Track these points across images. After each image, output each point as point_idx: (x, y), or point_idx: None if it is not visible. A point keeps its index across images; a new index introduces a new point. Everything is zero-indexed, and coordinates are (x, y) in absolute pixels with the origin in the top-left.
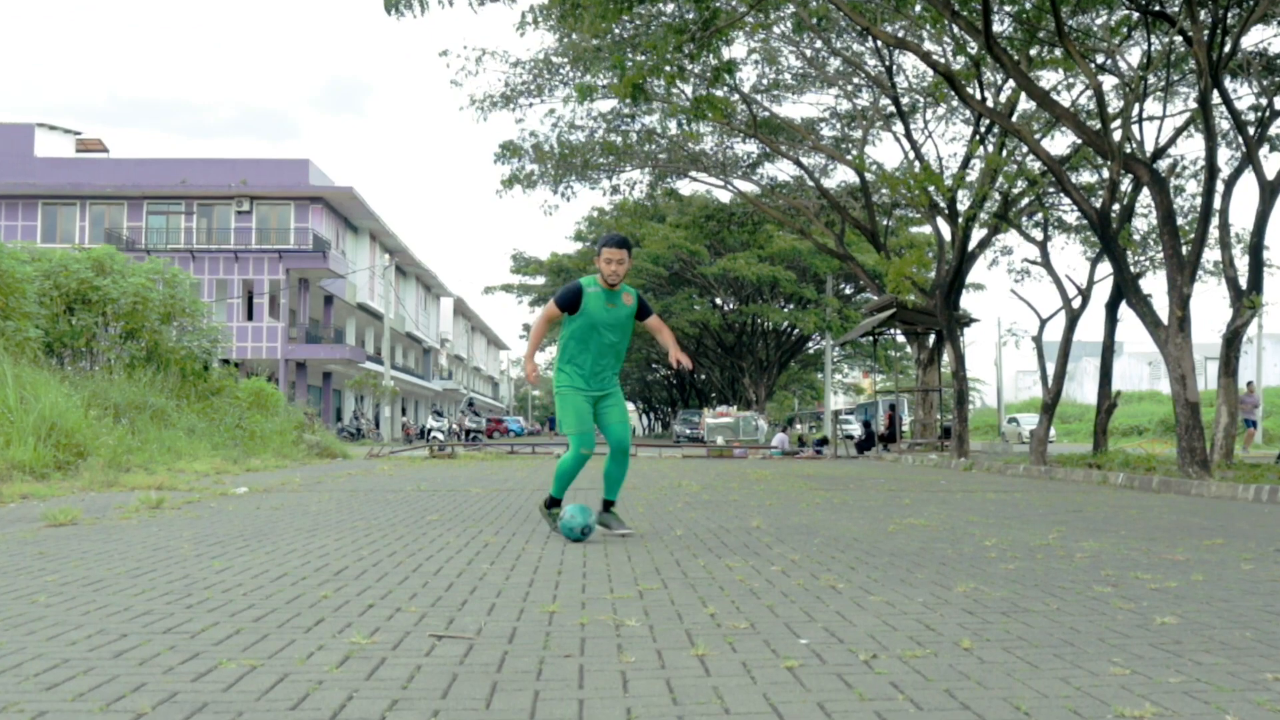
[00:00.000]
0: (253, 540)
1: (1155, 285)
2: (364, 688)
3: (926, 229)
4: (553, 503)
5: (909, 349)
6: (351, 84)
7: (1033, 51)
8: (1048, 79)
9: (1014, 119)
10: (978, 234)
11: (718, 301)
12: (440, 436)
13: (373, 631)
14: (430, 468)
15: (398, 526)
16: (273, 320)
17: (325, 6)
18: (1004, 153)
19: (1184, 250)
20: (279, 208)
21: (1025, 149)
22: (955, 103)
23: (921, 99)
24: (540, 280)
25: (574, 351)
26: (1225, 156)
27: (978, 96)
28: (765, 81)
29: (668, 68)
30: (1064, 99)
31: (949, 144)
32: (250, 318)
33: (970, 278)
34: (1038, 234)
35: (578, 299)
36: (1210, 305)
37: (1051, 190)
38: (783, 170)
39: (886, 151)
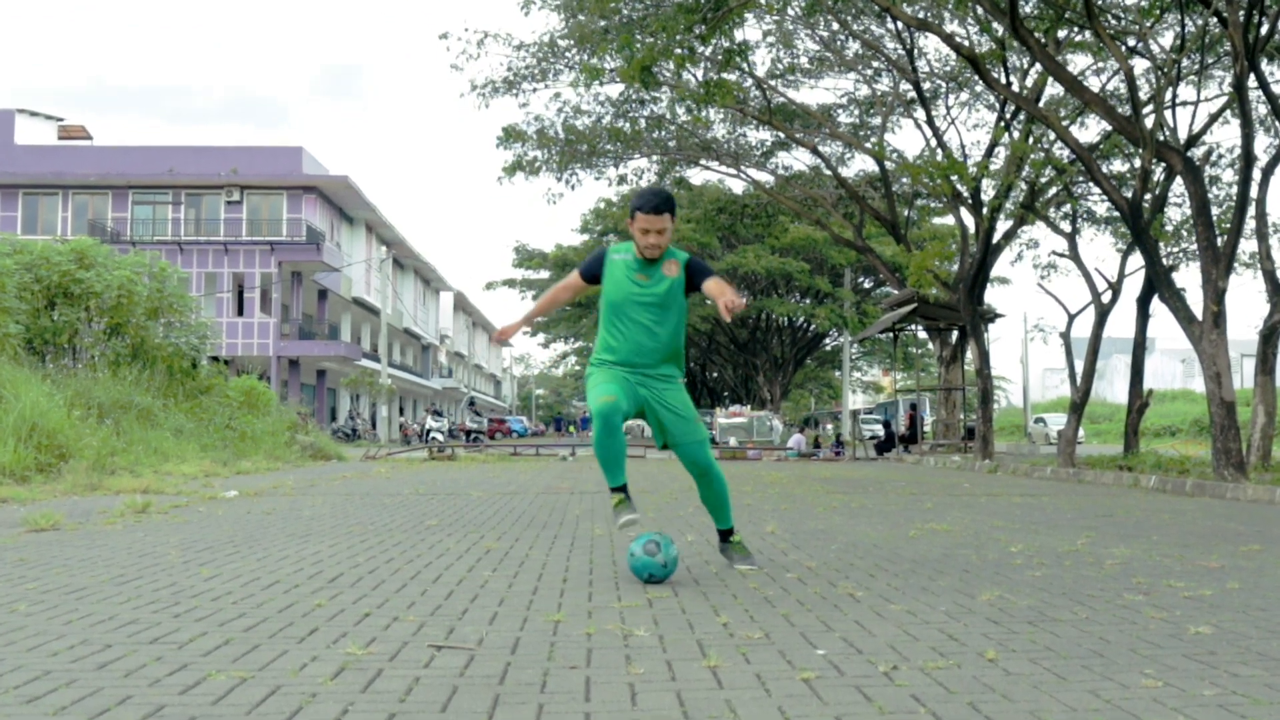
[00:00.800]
0: (243, 546)
1: (1189, 279)
2: (360, 701)
3: (949, 220)
4: (616, 492)
5: (931, 346)
6: (347, 69)
7: (1061, 33)
8: (1076, 62)
9: (1041, 104)
10: (1003, 225)
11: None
12: (440, 437)
13: (369, 642)
14: (429, 470)
15: (395, 532)
16: (264, 315)
17: None
18: (1030, 140)
19: (1219, 242)
20: (271, 198)
21: (1053, 136)
22: (979, 87)
23: (944, 83)
24: (544, 274)
25: (606, 338)
26: (1263, 144)
27: (1003, 81)
28: (780, 65)
29: (678, 50)
30: (1093, 83)
31: (972, 131)
32: (241, 313)
33: (995, 271)
34: (1066, 225)
35: (598, 266)
36: (1247, 299)
37: (1080, 180)
38: (798, 159)
39: (907, 139)
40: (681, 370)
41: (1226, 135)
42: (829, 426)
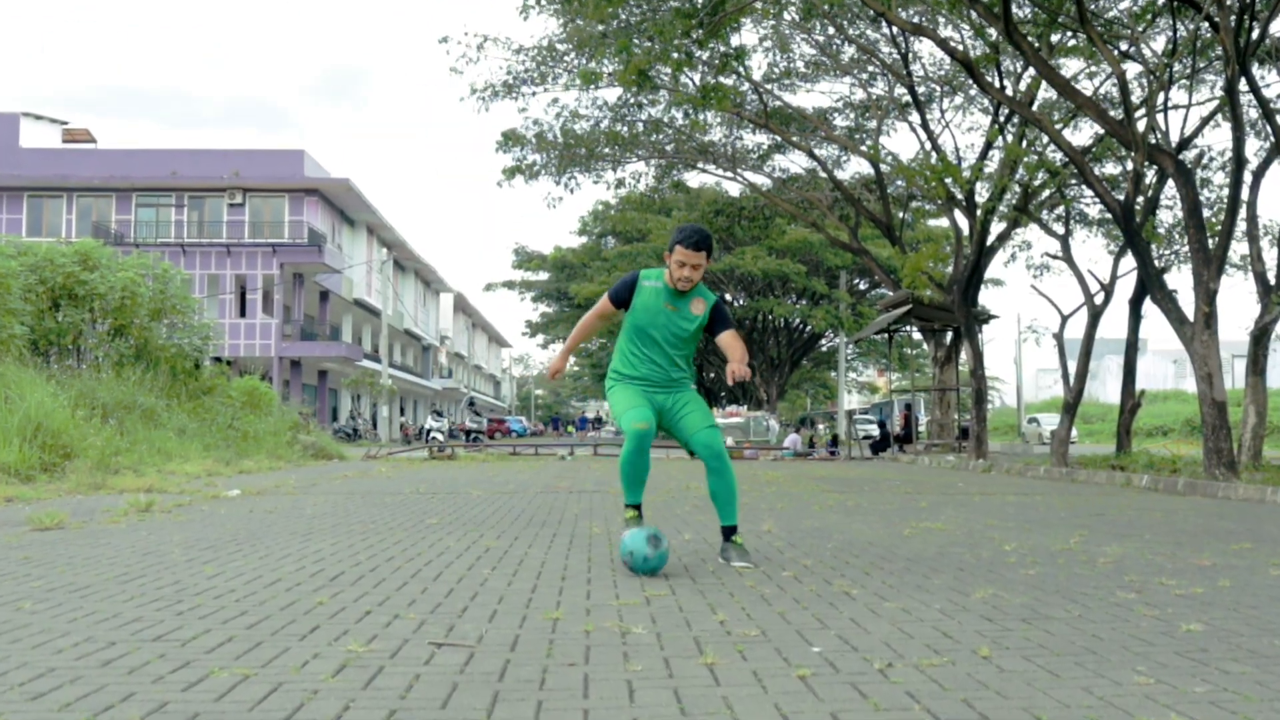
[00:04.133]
0: (245, 544)
1: (1181, 280)
2: (361, 697)
3: (944, 222)
4: (630, 508)
5: (925, 346)
6: (348, 73)
7: (1054, 38)
8: (1069, 67)
9: (1034, 108)
10: (997, 227)
11: (728, 297)
12: (440, 437)
13: (370, 639)
14: (429, 469)
15: (396, 530)
16: (266, 317)
17: None
18: (1024, 143)
19: (1210, 244)
20: (273, 200)
21: (1046, 139)
22: (973, 91)
23: (938, 87)
24: (543, 276)
25: (627, 357)
26: (1253, 147)
27: (997, 85)
28: (776, 70)
29: (675, 54)
30: (1086, 87)
31: (967, 134)
32: (243, 314)
33: (989, 273)
34: (1059, 228)
35: (629, 292)
36: (1238, 301)
37: (1073, 182)
38: (795, 162)
39: (902, 142)
40: (693, 375)
41: (1218, 138)
42: (821, 427)
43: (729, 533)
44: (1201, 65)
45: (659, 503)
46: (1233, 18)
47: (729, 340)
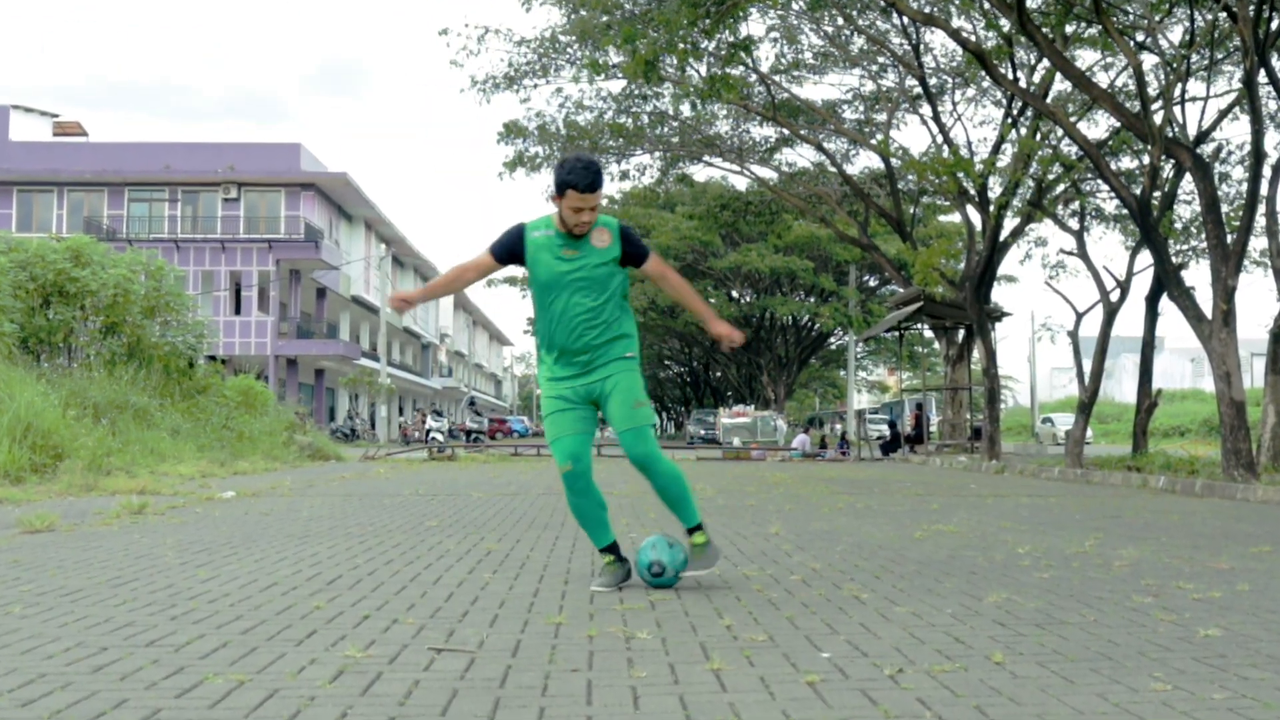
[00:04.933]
0: (240, 547)
1: (1198, 277)
2: (359, 704)
3: (956, 218)
4: (606, 552)
5: (937, 345)
6: (345, 65)
7: (1068, 29)
8: (1084, 58)
9: (1049, 100)
10: (1010, 223)
11: (734, 294)
12: (440, 437)
13: (368, 644)
14: (429, 470)
15: (394, 533)
16: (262, 314)
17: None
18: (1038, 136)
19: (1229, 239)
20: (268, 195)
21: (1060, 133)
22: (986, 83)
23: (950, 79)
24: None
25: (541, 325)
26: (1273, 140)
27: (1010, 76)
28: (784, 61)
29: (681, 45)
30: (1102, 79)
31: (979, 127)
32: (238, 311)
33: (1002, 269)
34: (1074, 223)
35: (516, 246)
36: (1257, 298)
37: (1089, 177)
38: (803, 155)
39: (913, 135)
40: (634, 347)
41: (1236, 131)
42: (838, 426)
43: (691, 532)
44: (1220, 56)
45: (662, 505)
46: (1251, 7)
47: (658, 269)
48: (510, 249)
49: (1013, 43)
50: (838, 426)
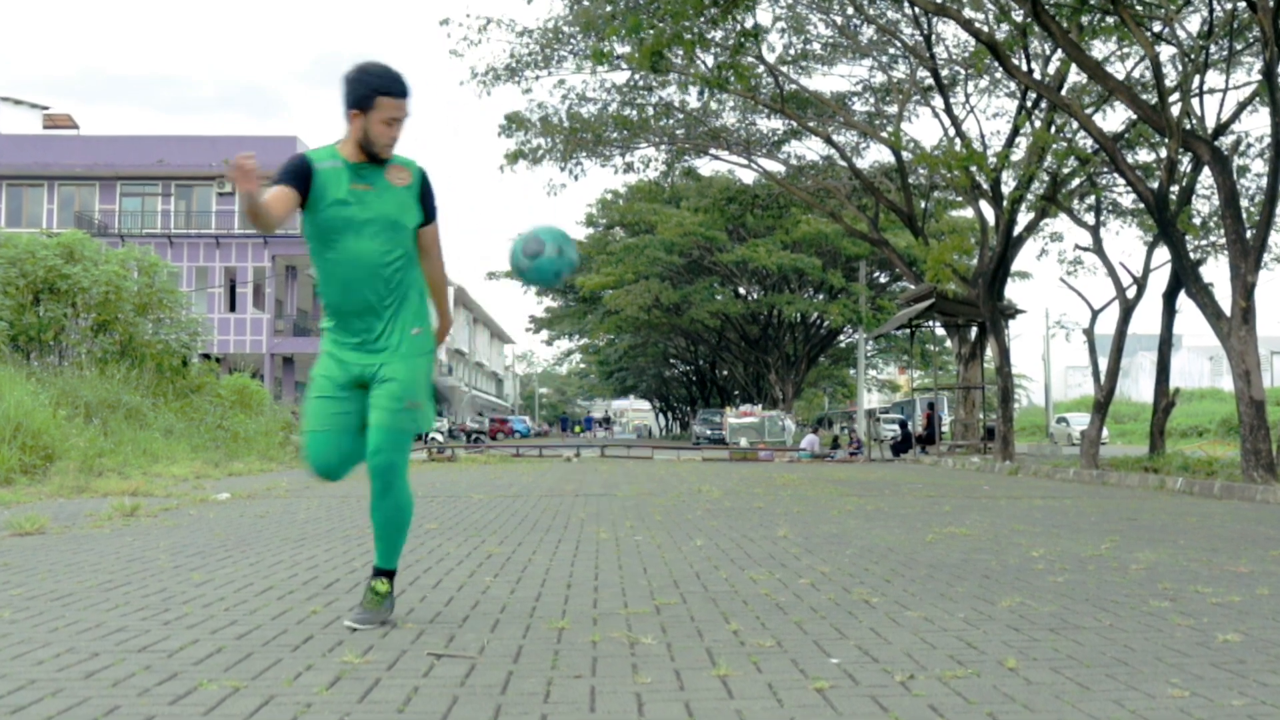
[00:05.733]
0: (235, 550)
1: (1217, 273)
2: (356, 711)
3: (968, 212)
4: (379, 576)
5: (949, 343)
6: (343, 57)
7: (1084, 19)
8: (1100, 49)
9: (1063, 92)
10: (1024, 218)
11: (741, 291)
12: (439, 438)
13: (366, 650)
14: (428, 471)
15: None
16: (257, 311)
17: None
18: (1052, 129)
19: (1248, 235)
20: (264, 189)
21: (1076, 125)
22: (999, 75)
23: (962, 71)
24: None
25: (321, 283)
26: None
27: (1024, 68)
28: (792, 52)
29: (687, 35)
30: (1118, 70)
31: (992, 120)
32: (233, 309)
33: (1016, 265)
34: (1089, 218)
35: (302, 172)
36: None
37: (1104, 170)
38: (811, 148)
39: (924, 128)
40: (425, 321)
41: (1256, 124)
42: (857, 425)
43: (380, 573)
44: (1239, 47)
45: (668, 506)
46: None
47: (431, 239)
48: (297, 174)
49: (1027, 33)
50: (856, 425)
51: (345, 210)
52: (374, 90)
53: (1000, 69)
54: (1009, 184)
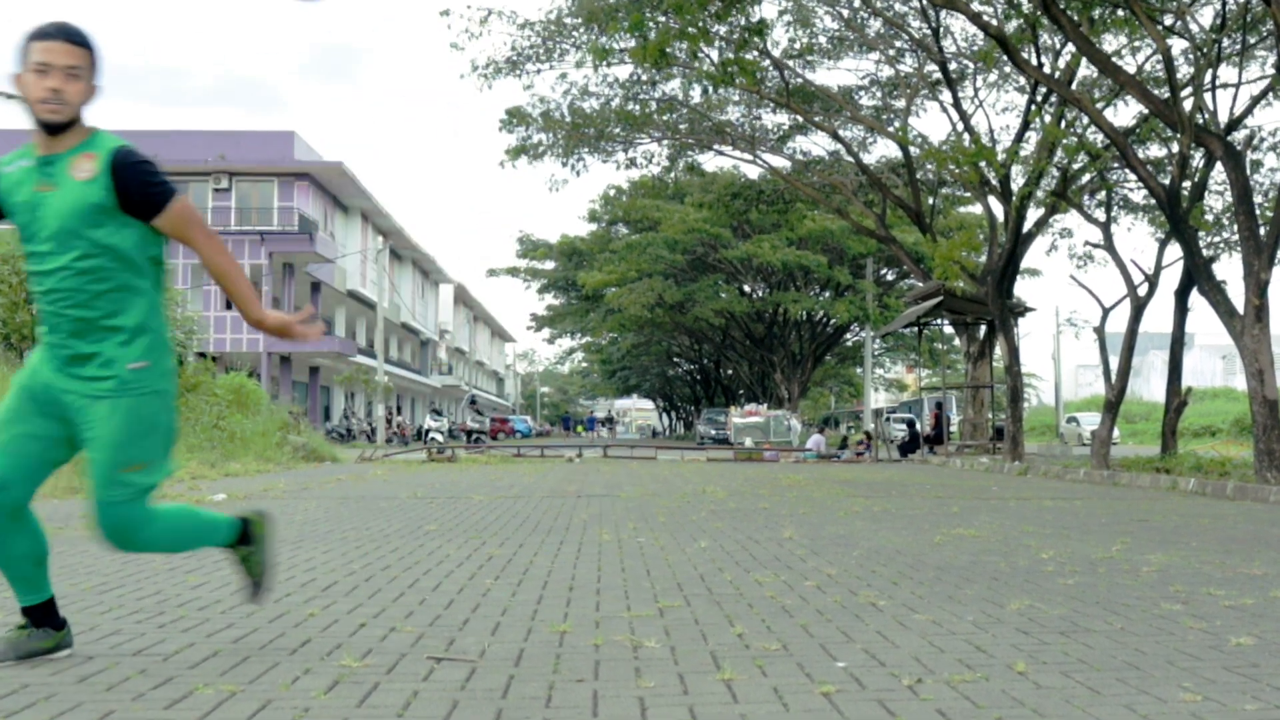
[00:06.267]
0: None
1: (1230, 270)
2: (355, 716)
3: (977, 209)
4: (25, 613)
5: (957, 341)
6: (342, 49)
7: (1095, 12)
8: (1111, 43)
9: (1074, 87)
10: (1034, 214)
11: (746, 288)
12: (439, 438)
13: (365, 654)
14: (428, 472)
15: (392, 537)
16: None
17: None
18: (1063, 124)
19: (1262, 231)
20: (261, 185)
21: (1086, 120)
22: (1009, 69)
23: (971, 65)
24: (549, 265)
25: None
26: None
27: (1033, 62)
28: (798, 45)
29: (691, 29)
30: (1129, 64)
31: (1001, 114)
32: (229, 306)
33: (1025, 262)
34: (1100, 214)
35: None
36: None
37: (1115, 166)
38: (817, 144)
39: (932, 123)
40: (153, 353)
41: (1270, 118)
42: (873, 425)
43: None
44: (1252, 41)
45: (672, 508)
46: None
47: (182, 219)
48: None
49: (1036, 27)
50: (868, 425)
51: (25, 218)
52: (27, 39)
53: (1009, 63)
54: (1018, 180)
